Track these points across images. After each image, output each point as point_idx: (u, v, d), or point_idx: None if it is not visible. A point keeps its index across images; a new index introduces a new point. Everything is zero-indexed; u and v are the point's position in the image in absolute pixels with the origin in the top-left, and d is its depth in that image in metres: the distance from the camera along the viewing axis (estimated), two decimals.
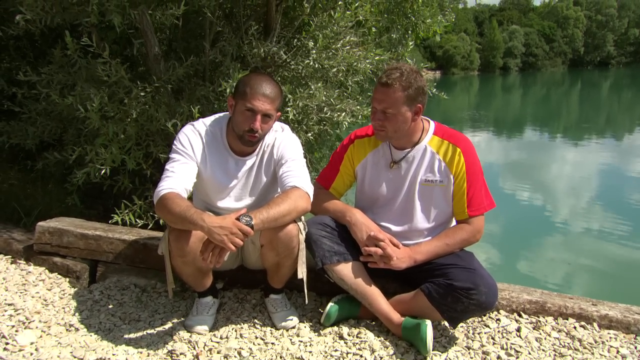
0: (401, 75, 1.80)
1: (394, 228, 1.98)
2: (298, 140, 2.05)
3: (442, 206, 1.95)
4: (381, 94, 1.83)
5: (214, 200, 2.03)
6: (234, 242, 1.61)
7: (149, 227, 2.78)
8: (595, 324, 2.01)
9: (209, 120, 2.00)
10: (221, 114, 2.04)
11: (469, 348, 1.86)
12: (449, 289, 1.75)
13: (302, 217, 1.98)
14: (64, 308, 2.13)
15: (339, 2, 3.26)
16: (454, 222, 2.05)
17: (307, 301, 2.00)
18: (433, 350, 1.81)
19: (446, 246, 1.89)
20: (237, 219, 1.65)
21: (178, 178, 1.81)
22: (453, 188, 1.91)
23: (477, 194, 1.89)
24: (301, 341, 1.88)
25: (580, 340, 1.91)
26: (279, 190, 1.99)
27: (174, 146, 1.93)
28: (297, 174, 1.88)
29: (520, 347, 1.86)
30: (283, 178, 1.88)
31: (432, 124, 1.99)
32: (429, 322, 1.78)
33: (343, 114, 3.39)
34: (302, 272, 1.89)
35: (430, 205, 1.95)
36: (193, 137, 1.93)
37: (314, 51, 3.23)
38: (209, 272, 2.02)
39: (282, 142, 1.98)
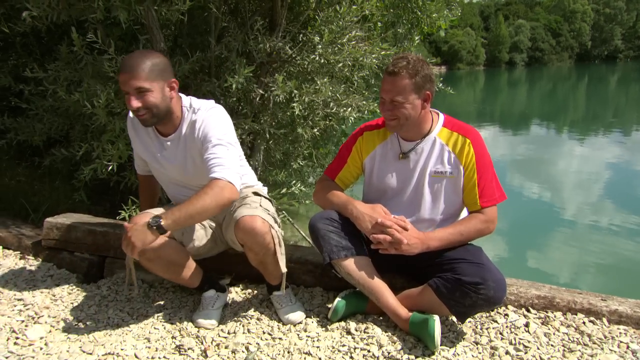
0: (408, 64, 1.79)
1: None
2: (226, 118, 1.91)
3: (451, 198, 1.94)
4: (389, 83, 1.82)
5: (162, 184, 2.11)
6: (132, 245, 1.63)
7: None
8: (604, 319, 1.99)
9: None
10: None
11: (477, 343, 1.85)
12: (457, 283, 1.74)
13: (273, 209, 1.97)
14: (72, 303, 2.14)
15: None
16: (463, 215, 2.04)
17: (283, 292, 2.00)
18: (441, 345, 1.80)
19: (460, 235, 1.85)
20: (148, 220, 1.64)
21: (140, 165, 2.16)
22: (463, 179, 1.90)
23: (489, 185, 1.88)
24: (309, 336, 1.88)
25: (589, 336, 1.89)
26: None
27: None
28: (220, 162, 1.76)
29: (529, 342, 1.84)
30: (207, 167, 1.79)
31: (442, 116, 1.97)
32: (436, 317, 1.77)
33: (349, 109, 3.38)
34: (283, 267, 1.88)
35: (439, 197, 1.94)
36: (129, 128, 2.06)
37: (320, 46, 3.22)
38: (187, 263, 1.98)
39: (205, 120, 1.86)
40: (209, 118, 1.86)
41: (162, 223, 1.63)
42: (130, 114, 2.03)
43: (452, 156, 1.90)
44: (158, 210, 1.86)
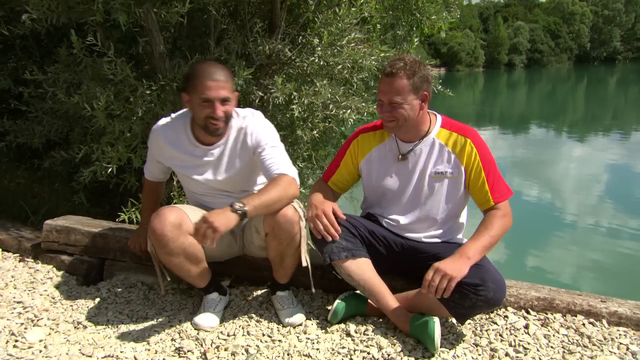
0: (405, 65, 1.79)
1: (403, 221, 1.97)
2: (272, 125, 2.02)
3: (452, 198, 1.94)
4: (386, 84, 1.82)
5: (196, 192, 2.09)
6: (214, 228, 1.60)
7: None
8: (604, 321, 1.99)
9: (176, 115, 2.04)
10: (186, 109, 2.03)
11: (476, 345, 1.85)
12: (456, 284, 1.74)
13: (301, 205, 1.98)
14: (71, 306, 2.14)
15: None
16: (463, 216, 2.04)
17: (313, 290, 2.01)
18: (441, 347, 1.80)
19: (490, 237, 1.80)
20: (231, 206, 1.66)
21: (152, 170, 2.17)
22: (469, 179, 1.89)
23: (497, 181, 1.88)
24: (308, 338, 1.88)
25: (589, 337, 1.89)
26: (262, 176, 2.02)
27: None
28: (280, 161, 1.88)
29: (529, 344, 1.84)
30: (267, 165, 1.87)
31: (439, 117, 1.98)
32: (436, 319, 1.77)
33: (348, 111, 3.38)
34: (306, 260, 1.90)
35: (440, 197, 1.94)
36: (153, 141, 2.04)
37: (319, 48, 3.22)
38: (202, 262, 1.98)
39: (256, 127, 1.95)
40: (260, 124, 1.97)
41: (246, 209, 1.66)
42: (164, 122, 2.02)
43: (452, 156, 1.90)
44: (198, 210, 1.95)
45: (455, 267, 1.70)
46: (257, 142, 1.93)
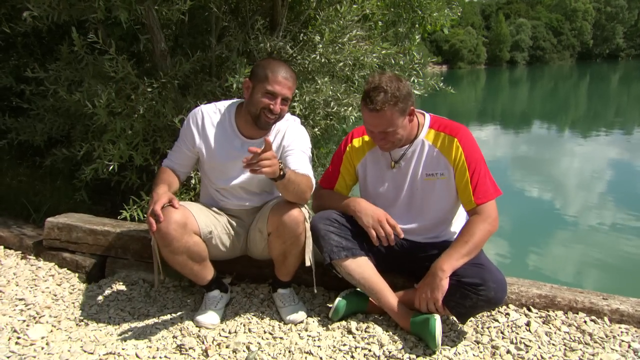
0: (385, 94, 1.74)
1: (399, 225, 1.96)
2: (307, 133, 2.09)
3: (445, 199, 1.93)
4: (374, 118, 1.79)
5: (216, 180, 2.08)
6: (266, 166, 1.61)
7: None
8: (606, 318, 1.99)
9: (221, 103, 2.07)
10: (234, 100, 2.09)
11: (478, 342, 1.85)
12: (457, 284, 1.73)
13: (307, 207, 1.99)
14: (73, 303, 2.15)
15: None
16: (459, 214, 2.03)
17: (315, 290, 2.02)
18: (442, 344, 1.80)
19: (468, 245, 1.77)
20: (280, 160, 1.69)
21: (174, 159, 2.09)
22: (455, 178, 1.89)
23: (482, 182, 1.84)
24: (310, 336, 1.88)
25: (590, 335, 1.89)
26: None
27: (181, 128, 2.11)
28: (305, 164, 1.93)
29: (530, 341, 1.84)
30: (291, 164, 1.91)
31: (428, 117, 1.96)
32: (437, 317, 1.77)
33: (350, 108, 3.38)
34: (309, 260, 1.90)
35: (434, 199, 1.93)
36: (193, 122, 2.03)
37: (320, 45, 3.22)
38: (205, 261, 1.99)
39: (294, 131, 2.03)
40: (298, 130, 2.05)
41: (286, 170, 1.71)
42: (208, 106, 2.05)
43: (441, 156, 1.88)
44: (205, 209, 2.03)
45: (434, 288, 1.75)
46: (289, 143, 1.99)
